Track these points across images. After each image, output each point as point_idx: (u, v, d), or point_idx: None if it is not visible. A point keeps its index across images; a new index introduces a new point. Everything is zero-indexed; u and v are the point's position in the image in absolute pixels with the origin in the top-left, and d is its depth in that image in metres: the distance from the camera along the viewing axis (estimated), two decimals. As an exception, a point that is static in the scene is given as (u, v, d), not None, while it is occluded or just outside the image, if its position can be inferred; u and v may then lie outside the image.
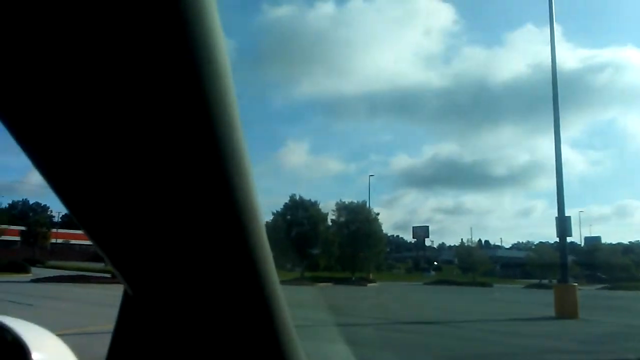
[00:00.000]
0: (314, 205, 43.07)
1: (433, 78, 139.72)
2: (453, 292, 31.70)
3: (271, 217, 42.88)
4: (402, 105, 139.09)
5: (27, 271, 32.79)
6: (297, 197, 43.37)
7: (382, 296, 27.49)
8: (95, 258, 55.50)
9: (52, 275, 29.23)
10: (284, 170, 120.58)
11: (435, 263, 78.01)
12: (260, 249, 0.62)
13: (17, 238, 49.36)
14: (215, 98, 0.47)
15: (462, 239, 78.29)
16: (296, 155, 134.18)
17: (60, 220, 73.61)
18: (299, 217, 41.89)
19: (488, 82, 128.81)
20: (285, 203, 43.32)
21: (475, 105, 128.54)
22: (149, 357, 0.77)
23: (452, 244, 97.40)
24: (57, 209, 79.53)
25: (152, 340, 0.75)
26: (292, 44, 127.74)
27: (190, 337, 0.68)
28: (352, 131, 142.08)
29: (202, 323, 0.66)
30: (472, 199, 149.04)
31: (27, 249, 48.61)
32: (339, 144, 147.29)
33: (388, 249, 63.35)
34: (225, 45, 0.47)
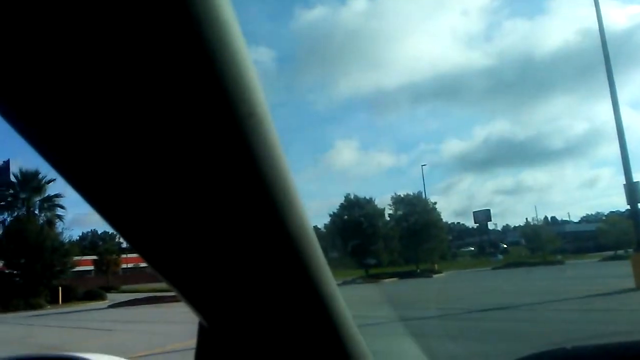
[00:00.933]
0: (369, 202, 42.86)
1: (476, 58, 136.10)
2: (524, 274, 30.70)
3: (328, 219, 43.00)
4: (446, 89, 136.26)
5: (103, 298, 34.31)
6: (352, 196, 43.29)
7: (450, 286, 26.98)
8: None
9: (126, 299, 30.40)
10: (335, 171, 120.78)
11: (505, 246, 75.57)
12: (314, 255, 0.63)
13: (90, 267, 51.68)
14: (247, 103, 0.46)
15: (526, 219, 75.83)
16: (345, 154, 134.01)
17: (128, 245, 76.66)
18: (355, 216, 41.75)
19: (535, 54, 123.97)
20: (341, 203, 43.35)
21: (524, 79, 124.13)
22: None
23: (516, 225, 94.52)
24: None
25: None
26: (328, 44, 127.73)
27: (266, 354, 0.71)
28: (398, 123, 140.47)
29: (273, 341, 0.69)
30: (532, 176, 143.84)
31: (100, 276, 50.85)
32: (386, 138, 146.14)
33: (450, 237, 62.14)
34: (249, 57, 0.46)
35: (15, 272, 31.98)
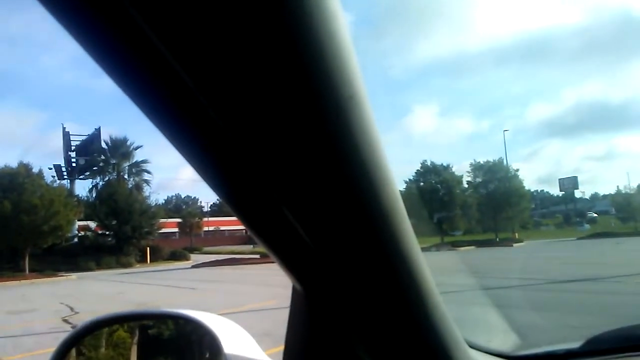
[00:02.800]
0: (446, 169, 41.77)
1: (568, 16, 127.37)
2: (612, 245, 28.94)
3: (404, 186, 42.45)
4: (533, 50, 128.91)
5: (187, 258, 36.15)
6: (429, 163, 42.37)
7: (531, 255, 25.96)
8: (244, 241, 59.54)
9: (208, 260, 31.86)
10: (412, 137, 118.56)
11: (595, 214, 71.16)
12: (405, 226, 0.65)
13: (175, 230, 54.43)
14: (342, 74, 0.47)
15: (617, 186, 70.94)
16: (424, 120, 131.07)
17: (209, 209, 80.00)
18: (432, 183, 40.96)
19: (634, 9, 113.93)
20: (417, 170, 42.57)
21: (621, 37, 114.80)
22: (322, 351, 0.81)
23: (606, 193, 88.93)
24: (206, 199, 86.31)
25: (324, 332, 0.79)
26: (408, 7, 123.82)
27: (356, 322, 0.73)
28: (480, 87, 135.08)
29: (364, 309, 0.70)
30: (626, 141, 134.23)
31: (184, 238, 53.50)
32: (467, 103, 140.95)
33: (533, 205, 59.53)
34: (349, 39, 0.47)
35: (107, 232, 34.30)
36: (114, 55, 0.42)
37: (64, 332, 6.96)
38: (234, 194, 0.59)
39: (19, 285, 21.95)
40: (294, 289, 0.82)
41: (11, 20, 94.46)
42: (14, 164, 27.71)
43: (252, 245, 50.42)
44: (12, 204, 24.64)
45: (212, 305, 11.94)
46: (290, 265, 0.70)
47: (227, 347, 1.06)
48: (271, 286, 16.30)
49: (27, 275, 25.14)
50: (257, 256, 34.28)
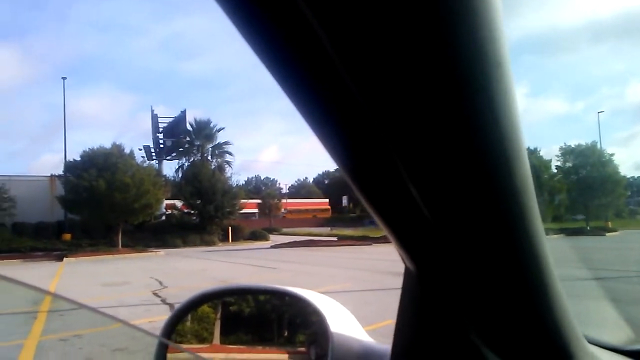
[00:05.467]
0: (533, 152, 39.77)
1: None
2: None
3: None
4: (636, 25, 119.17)
5: (266, 238, 37.03)
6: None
7: (628, 245, 24.18)
8: (322, 223, 60.13)
9: (287, 241, 32.44)
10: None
11: None
12: (532, 202, 0.60)
13: (255, 210, 55.92)
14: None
15: None
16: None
17: (287, 191, 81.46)
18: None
19: None
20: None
21: None
22: (434, 333, 0.79)
23: None
24: (285, 181, 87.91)
25: (436, 315, 0.77)
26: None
27: (471, 306, 0.70)
28: (574, 66, 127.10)
29: (481, 293, 0.68)
30: None
31: (264, 218, 54.87)
32: (558, 83, 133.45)
33: (629, 193, 55.44)
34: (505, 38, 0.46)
35: (192, 211, 35.78)
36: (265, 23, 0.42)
37: (154, 305, 7.16)
38: (357, 164, 0.57)
39: (113, 259, 23.41)
40: (406, 269, 0.80)
41: (103, 7, 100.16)
42: (108, 144, 29.43)
43: (329, 228, 50.97)
44: (106, 183, 26.20)
45: (291, 285, 12.04)
46: (406, 243, 0.67)
47: (333, 326, 1.07)
48: (348, 269, 16.31)
49: (120, 250, 26.77)
50: (335, 238, 34.57)
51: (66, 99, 33.81)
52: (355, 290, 10.31)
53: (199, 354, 1.27)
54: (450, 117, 0.47)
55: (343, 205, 69.78)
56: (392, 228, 0.64)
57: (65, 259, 22.90)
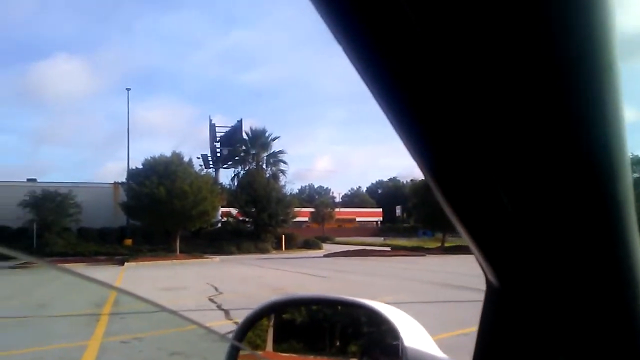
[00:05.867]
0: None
1: None
2: None
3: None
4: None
5: (319, 247, 37.13)
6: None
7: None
8: (374, 233, 59.70)
9: (339, 250, 32.39)
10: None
11: None
12: (632, 213, 0.55)
13: (308, 219, 56.20)
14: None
15: None
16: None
17: (340, 200, 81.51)
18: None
19: None
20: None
21: None
22: (518, 355, 0.74)
23: None
24: (338, 190, 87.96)
25: (521, 334, 0.72)
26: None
27: (561, 327, 0.66)
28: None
29: (574, 313, 0.63)
30: None
31: (316, 227, 55.01)
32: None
33: None
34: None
35: (247, 219, 36.37)
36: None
37: (210, 310, 7.29)
38: (445, 168, 0.53)
39: (171, 264, 24.11)
40: (488, 283, 0.74)
41: (165, 21, 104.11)
42: (168, 153, 30.43)
43: (382, 238, 50.54)
44: (166, 190, 27.05)
45: (344, 295, 12.01)
46: (490, 255, 0.63)
47: (407, 340, 1.06)
48: (402, 279, 16.09)
49: (178, 255, 27.54)
50: (388, 249, 34.24)
51: (130, 109, 35.30)
52: (410, 302, 10.16)
53: None
54: (554, 121, 0.45)
55: (396, 215, 69.07)
56: (476, 237, 0.60)
57: (126, 263, 23.81)
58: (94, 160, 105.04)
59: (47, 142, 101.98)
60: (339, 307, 1.37)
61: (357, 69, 0.45)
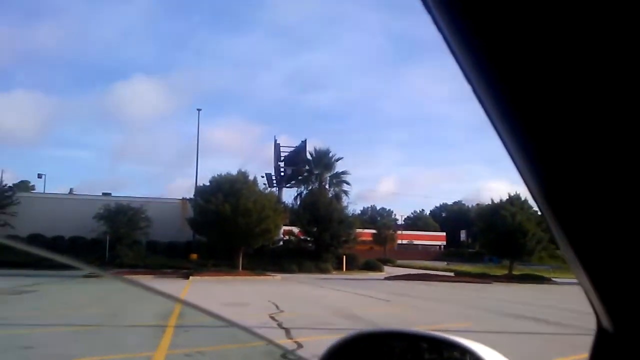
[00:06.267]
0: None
1: None
2: None
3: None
4: None
5: (380, 269, 36.63)
6: None
7: None
8: (438, 257, 58.29)
9: (401, 273, 31.82)
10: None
11: None
12: None
13: (369, 240, 55.66)
14: None
15: None
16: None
17: (403, 222, 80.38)
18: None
19: None
20: None
21: None
22: None
23: None
24: (400, 212, 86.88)
25: None
26: None
27: None
28: None
29: None
30: None
31: (378, 249, 54.40)
32: None
33: None
34: None
35: (308, 238, 36.48)
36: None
37: (271, 328, 7.27)
38: (560, 189, 0.48)
39: (233, 280, 24.50)
40: (599, 326, 0.66)
41: (236, 44, 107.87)
42: (234, 171, 31.19)
43: (445, 262, 49.23)
44: (231, 207, 27.66)
45: (406, 320, 11.71)
46: (606, 295, 0.56)
47: None
48: (467, 307, 15.52)
49: (241, 272, 27.98)
50: (451, 274, 33.27)
51: (200, 129, 36.58)
52: (477, 331, 9.74)
53: None
54: None
55: (461, 239, 67.22)
56: (594, 274, 0.54)
57: (191, 277, 24.44)
58: (165, 177, 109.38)
59: (122, 159, 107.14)
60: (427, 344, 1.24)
61: (471, 80, 0.43)
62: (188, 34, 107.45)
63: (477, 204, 47.50)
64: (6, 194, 35.88)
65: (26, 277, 22.98)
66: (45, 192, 47.36)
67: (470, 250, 59.20)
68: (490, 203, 34.41)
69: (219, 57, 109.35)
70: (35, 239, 33.30)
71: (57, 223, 33.08)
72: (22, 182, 50.73)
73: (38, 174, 57.03)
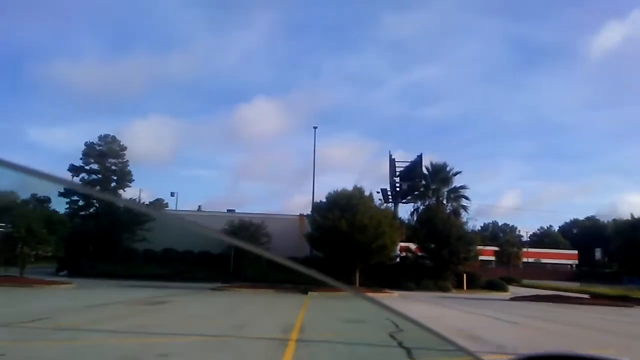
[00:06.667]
0: None
1: None
2: None
3: None
4: None
5: (504, 289, 34.61)
6: None
7: None
8: (569, 277, 53.96)
9: (528, 294, 29.79)
10: None
11: None
12: None
13: (491, 258, 53.08)
14: None
15: None
16: None
17: (528, 239, 75.64)
18: None
19: None
20: None
21: None
22: None
23: None
24: (526, 228, 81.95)
25: None
26: None
27: None
28: None
29: None
30: None
31: (501, 268, 51.64)
32: None
33: None
34: None
35: (426, 255, 35.57)
36: None
37: (391, 347, 7.06)
38: None
39: (350, 296, 24.47)
40: None
41: (348, 62, 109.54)
42: (350, 187, 31.39)
43: (578, 283, 45.36)
44: (347, 223, 27.81)
45: (538, 345, 10.84)
46: None
47: None
48: (612, 333, 14.02)
49: (357, 288, 27.89)
50: (586, 296, 30.48)
51: (316, 146, 37.48)
52: (620, 361, 8.72)
53: None
54: None
55: (595, 258, 61.69)
56: None
57: (309, 292, 24.85)
58: (283, 193, 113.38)
59: (244, 177, 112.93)
60: None
61: None
62: (304, 54, 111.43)
63: (614, 219, 43.40)
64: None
65: (159, 289, 24.87)
66: (177, 209, 51.22)
67: (606, 270, 54.19)
68: (630, 218, 31.29)
69: (334, 75, 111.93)
70: (168, 253, 36.06)
71: (187, 238, 35.47)
72: (157, 200, 55.15)
73: (171, 192, 62.05)
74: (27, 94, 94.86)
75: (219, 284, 28.65)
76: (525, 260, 57.50)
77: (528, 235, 79.52)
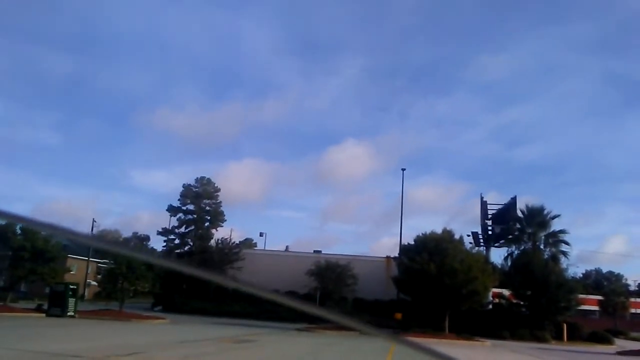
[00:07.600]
0: None
1: None
2: None
3: None
4: None
5: (610, 342, 31.73)
6: None
7: None
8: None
9: (636, 348, 27.10)
10: None
11: None
12: None
13: (595, 308, 49.11)
14: None
15: None
16: None
17: (637, 288, 69.22)
18: None
19: None
20: None
21: None
22: None
23: None
24: (633, 277, 75.25)
25: None
26: None
27: None
28: None
29: None
30: None
31: (606, 318, 47.55)
32: None
33: None
34: None
35: (521, 302, 33.56)
36: None
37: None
38: None
39: (438, 343, 23.50)
40: None
41: (437, 104, 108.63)
42: (439, 230, 30.66)
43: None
44: (436, 267, 27.06)
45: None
46: None
47: None
48: None
49: (447, 334, 26.84)
50: None
51: (404, 188, 37.18)
52: None
53: None
54: None
55: None
56: None
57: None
58: (370, 235, 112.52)
59: (332, 218, 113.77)
60: None
61: None
62: (392, 97, 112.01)
63: None
64: (234, 250, 40.75)
65: (247, 327, 25.36)
66: (266, 248, 52.46)
67: None
68: None
69: (422, 118, 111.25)
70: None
71: (275, 277, 36.13)
72: (246, 239, 56.92)
73: (260, 232, 63.75)
74: (132, 140, 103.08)
75: (304, 325, 28.73)
76: (633, 311, 52.57)
77: (636, 285, 72.81)
